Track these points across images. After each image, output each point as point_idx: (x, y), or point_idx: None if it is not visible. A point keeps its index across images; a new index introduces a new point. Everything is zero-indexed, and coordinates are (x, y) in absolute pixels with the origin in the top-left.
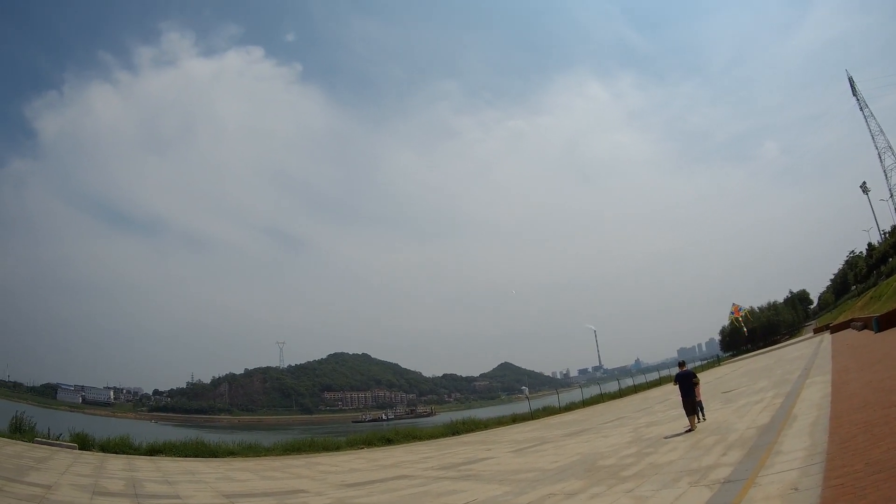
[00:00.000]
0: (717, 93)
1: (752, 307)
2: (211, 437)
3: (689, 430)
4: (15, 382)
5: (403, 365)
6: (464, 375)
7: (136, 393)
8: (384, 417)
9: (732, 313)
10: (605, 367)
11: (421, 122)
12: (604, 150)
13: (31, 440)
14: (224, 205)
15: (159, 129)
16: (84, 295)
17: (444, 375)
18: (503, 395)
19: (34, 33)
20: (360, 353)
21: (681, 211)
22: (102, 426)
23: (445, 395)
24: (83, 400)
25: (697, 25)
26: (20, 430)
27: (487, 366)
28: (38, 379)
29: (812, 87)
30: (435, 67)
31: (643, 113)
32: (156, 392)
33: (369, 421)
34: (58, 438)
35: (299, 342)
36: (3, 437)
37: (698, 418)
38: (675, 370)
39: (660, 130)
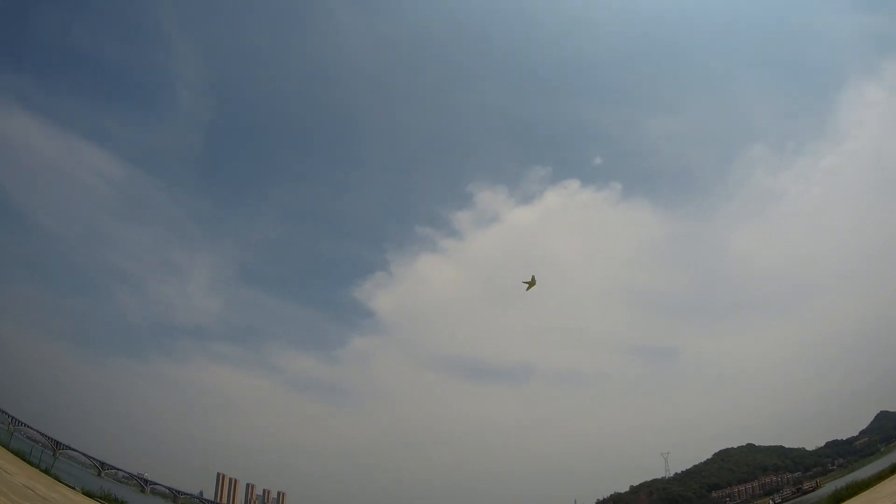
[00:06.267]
0: None
1: None
2: None
3: None
4: None
5: (787, 445)
6: (844, 438)
7: None
8: (772, 503)
9: None
10: None
11: (744, 195)
12: None
13: None
14: (583, 337)
15: (500, 282)
16: (453, 445)
17: (826, 444)
18: (881, 446)
19: (349, 229)
20: (744, 445)
21: None
22: None
23: (829, 464)
24: None
25: None
26: None
27: (864, 421)
28: None
29: None
30: (736, 134)
31: None
32: None
33: None
34: None
35: (684, 448)
36: None
37: None
38: None
39: None
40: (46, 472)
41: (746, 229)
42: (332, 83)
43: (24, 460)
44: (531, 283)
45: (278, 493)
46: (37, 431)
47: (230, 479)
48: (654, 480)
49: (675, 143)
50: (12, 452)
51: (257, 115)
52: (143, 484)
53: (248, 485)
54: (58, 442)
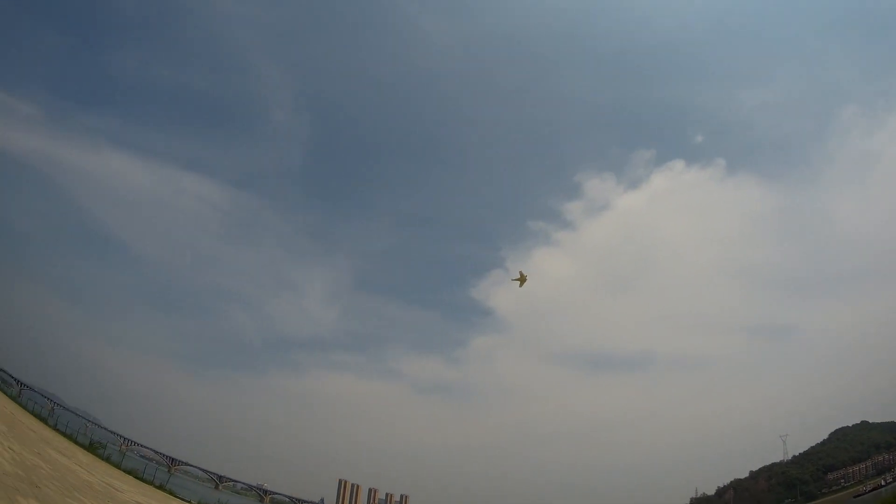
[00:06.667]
0: None
1: None
2: None
3: None
4: None
5: None
6: None
7: None
8: (882, 483)
9: None
10: None
11: (843, 159)
12: None
13: None
14: (699, 319)
15: (616, 270)
16: (575, 439)
17: None
18: None
19: (462, 230)
20: (859, 423)
21: None
22: None
23: None
24: None
25: None
26: None
27: None
28: None
29: None
30: (828, 98)
31: None
32: None
33: (870, 491)
34: None
35: (800, 429)
36: None
37: None
38: None
39: None
40: (161, 488)
41: (849, 195)
42: (425, 89)
43: (137, 478)
44: (522, 280)
45: (401, 496)
46: (151, 450)
47: (352, 485)
48: (773, 465)
49: (770, 113)
50: (125, 471)
51: (355, 126)
52: (261, 494)
53: (370, 489)
54: (173, 458)
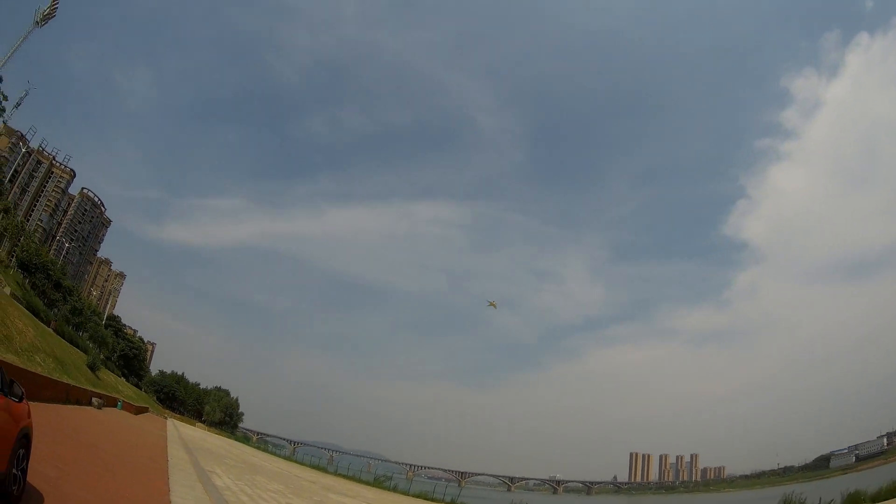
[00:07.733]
0: None
1: None
2: None
3: None
4: (785, 467)
5: None
6: None
7: None
8: None
9: None
10: None
11: None
12: None
13: None
14: None
15: (847, 165)
16: (847, 358)
17: None
18: None
19: (696, 172)
20: None
21: None
22: (876, 477)
23: None
24: (857, 458)
25: None
26: None
27: None
28: (808, 456)
29: None
30: None
31: None
32: None
33: None
34: None
35: None
36: None
37: None
38: None
39: None
40: (452, 503)
41: None
42: (612, 45)
43: (426, 499)
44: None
45: (691, 457)
46: (438, 469)
47: (642, 456)
48: None
49: None
50: (413, 496)
51: (562, 107)
52: (554, 485)
53: (660, 456)
54: (462, 472)
